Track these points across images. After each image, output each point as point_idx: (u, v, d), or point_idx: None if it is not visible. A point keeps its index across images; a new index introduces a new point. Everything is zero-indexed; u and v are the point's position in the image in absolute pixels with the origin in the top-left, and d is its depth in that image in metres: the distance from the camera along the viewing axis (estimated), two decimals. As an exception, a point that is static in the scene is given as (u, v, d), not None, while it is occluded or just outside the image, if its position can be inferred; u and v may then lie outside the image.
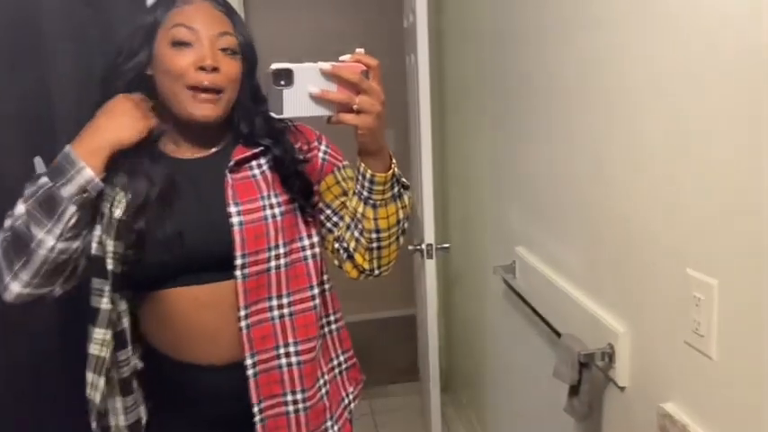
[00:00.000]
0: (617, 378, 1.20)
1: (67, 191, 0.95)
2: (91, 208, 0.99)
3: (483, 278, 2.23)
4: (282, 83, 0.89)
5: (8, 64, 1.49)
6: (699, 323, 0.94)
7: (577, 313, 1.35)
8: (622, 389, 1.20)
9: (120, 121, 1.00)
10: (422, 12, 1.94)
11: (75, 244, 0.98)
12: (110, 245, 1.01)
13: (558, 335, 1.40)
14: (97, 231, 1.02)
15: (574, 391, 1.27)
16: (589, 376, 1.24)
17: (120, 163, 1.01)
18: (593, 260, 1.32)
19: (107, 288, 1.03)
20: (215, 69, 1.00)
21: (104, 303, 1.03)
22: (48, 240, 0.95)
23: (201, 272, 1.04)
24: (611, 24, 1.17)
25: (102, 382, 1.04)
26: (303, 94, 0.90)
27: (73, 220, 0.96)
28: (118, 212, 1.01)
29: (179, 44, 1.00)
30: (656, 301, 1.08)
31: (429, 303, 2.12)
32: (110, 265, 1.01)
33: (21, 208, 0.96)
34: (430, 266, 2.09)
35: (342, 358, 1.24)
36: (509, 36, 1.80)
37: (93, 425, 1.08)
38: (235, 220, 1.03)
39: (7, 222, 0.98)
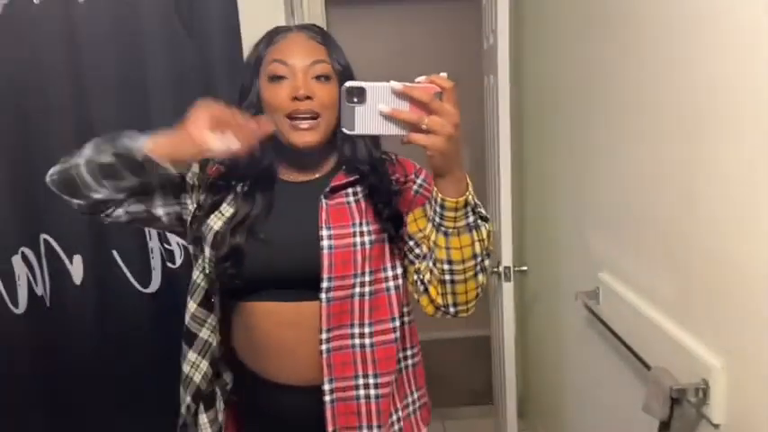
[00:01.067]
0: (711, 415, 1.14)
1: (124, 141, 1.02)
2: (124, 168, 1.02)
3: (562, 303, 2.17)
4: (355, 100, 0.91)
5: (116, 98, 1.61)
6: (807, 362, 0.88)
7: (668, 345, 1.29)
8: (717, 426, 1.14)
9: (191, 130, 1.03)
10: (503, 34, 1.95)
11: (90, 180, 1.04)
12: (207, 251, 1.10)
13: (646, 366, 1.35)
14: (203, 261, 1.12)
15: (664, 427, 1.22)
16: (681, 412, 1.18)
17: (235, 182, 1.12)
18: (684, 289, 1.27)
19: (210, 319, 1.13)
20: (308, 98, 1.05)
21: (204, 332, 1.13)
22: (81, 158, 1.04)
23: (286, 289, 1.08)
24: (708, 57, 1.13)
25: (188, 398, 1.14)
26: (375, 112, 0.91)
27: (102, 160, 1.02)
28: (219, 224, 1.09)
29: (275, 78, 1.07)
30: (755, 333, 1.02)
31: (506, 327, 2.09)
32: (207, 269, 1.10)
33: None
34: (507, 289, 2.06)
35: (416, 395, 1.23)
36: (594, 58, 1.76)
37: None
38: (325, 243, 1.06)
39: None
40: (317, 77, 1.08)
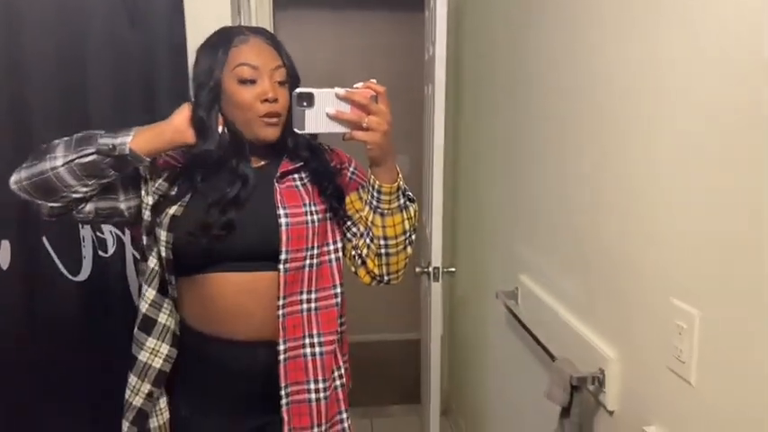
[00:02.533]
0: (606, 402, 1.25)
1: (103, 140, 1.11)
2: (108, 166, 1.12)
3: (487, 303, 2.29)
4: (305, 104, 1.09)
5: (58, 86, 1.61)
6: (681, 350, 1.00)
7: (572, 339, 1.41)
8: (611, 413, 1.25)
9: (177, 123, 1.17)
10: (441, 45, 2.04)
11: (72, 181, 1.11)
12: (163, 236, 1.18)
13: (553, 358, 1.46)
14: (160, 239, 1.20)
15: (565, 413, 1.33)
16: (580, 399, 1.29)
17: (188, 170, 1.22)
18: (589, 288, 1.38)
19: (166, 303, 1.22)
20: (276, 100, 1.19)
21: (162, 317, 1.22)
22: (58, 160, 1.11)
23: (244, 261, 1.20)
24: (619, 73, 1.25)
25: (149, 386, 1.22)
26: (322, 113, 1.09)
27: (86, 159, 1.10)
28: (174, 209, 1.19)
29: (245, 82, 1.18)
30: (644, 328, 1.14)
31: (433, 325, 2.17)
32: (163, 252, 1.19)
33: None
34: (436, 289, 2.15)
35: (345, 357, 1.35)
36: (520, 73, 1.88)
37: (126, 426, 1.24)
38: (282, 221, 1.20)
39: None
40: (279, 82, 1.21)
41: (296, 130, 1.10)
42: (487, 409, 2.38)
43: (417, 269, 2.23)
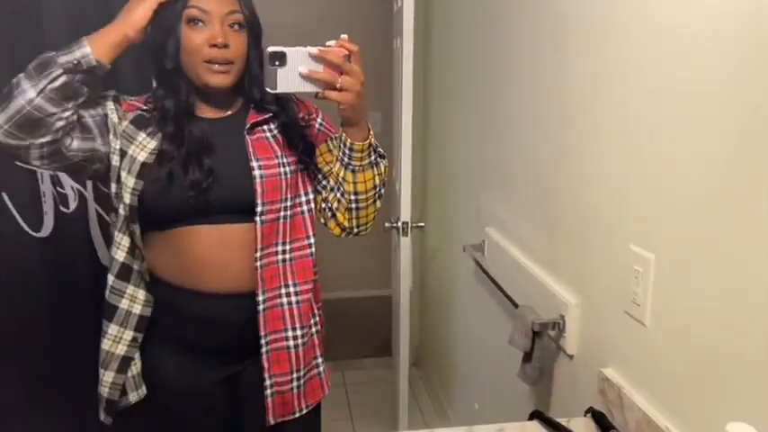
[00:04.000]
0: (566, 346, 1.29)
1: (63, 59, 1.08)
2: (80, 83, 1.09)
3: (455, 257, 2.31)
4: (277, 63, 1.06)
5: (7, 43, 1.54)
6: (636, 293, 1.03)
7: (535, 287, 1.44)
8: (571, 356, 1.29)
9: (131, 12, 1.12)
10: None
11: (53, 109, 1.08)
12: (130, 181, 1.16)
13: (516, 306, 1.49)
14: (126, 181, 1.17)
15: (527, 358, 1.36)
16: (541, 344, 1.33)
17: (154, 116, 1.19)
18: (552, 239, 1.41)
19: (128, 289, 1.23)
20: (225, 46, 1.15)
21: (124, 302, 1.22)
22: (29, 92, 1.06)
23: (217, 214, 1.19)
24: (576, 24, 1.24)
25: (130, 334, 1.23)
26: (294, 73, 1.07)
27: (57, 83, 1.07)
28: (143, 155, 1.16)
29: (193, 22, 1.14)
30: (603, 274, 1.17)
31: (402, 279, 2.19)
32: (127, 199, 1.16)
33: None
34: (405, 243, 2.16)
35: (319, 305, 1.37)
36: (488, 24, 1.87)
37: (111, 375, 1.24)
38: (257, 173, 1.19)
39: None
40: (231, 26, 1.16)
41: (268, 89, 1.08)
42: (457, 360, 2.44)
43: (386, 224, 2.23)
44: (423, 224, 2.25)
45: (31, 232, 1.76)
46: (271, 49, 1.07)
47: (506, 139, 1.72)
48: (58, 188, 1.77)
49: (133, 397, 1.27)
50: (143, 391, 1.27)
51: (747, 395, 0.80)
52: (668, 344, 0.97)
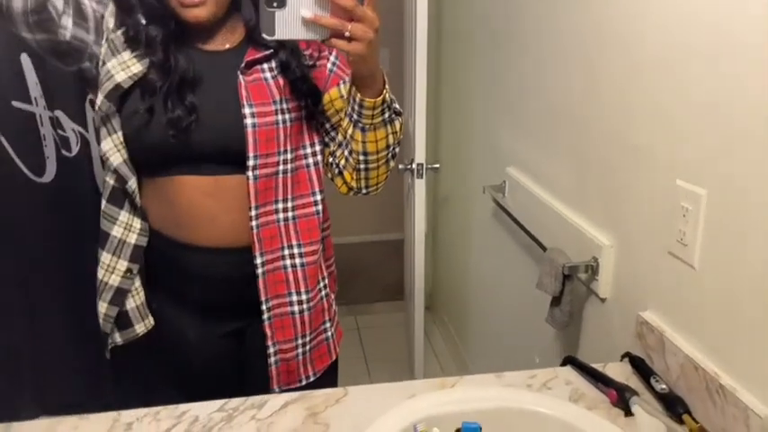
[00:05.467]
0: (599, 290, 1.23)
1: None
2: None
3: (472, 198, 2.24)
4: (275, 4, 0.89)
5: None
6: (684, 233, 0.96)
7: (564, 229, 1.37)
8: (603, 300, 1.24)
9: None
10: None
11: None
12: (99, 99, 1.04)
13: (543, 249, 1.43)
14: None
15: (556, 302, 1.31)
16: (571, 288, 1.27)
17: (140, 40, 1.05)
18: (582, 176, 1.33)
19: (121, 216, 1.12)
20: None
21: (116, 230, 1.12)
22: None
23: (207, 163, 1.07)
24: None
25: (124, 264, 1.12)
26: (295, 16, 0.89)
27: None
28: (122, 76, 1.04)
29: None
30: (643, 213, 1.09)
31: (417, 221, 2.13)
32: (97, 119, 1.06)
33: None
34: (419, 186, 2.09)
35: (330, 261, 1.28)
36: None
37: (104, 306, 1.15)
38: (248, 121, 1.05)
39: None
40: None
41: (264, 36, 0.91)
42: (472, 303, 2.40)
43: (400, 166, 2.15)
44: (438, 165, 2.17)
45: (33, 177, 1.69)
46: None
47: (528, 70, 1.62)
48: (59, 131, 1.69)
49: (140, 328, 1.16)
50: (150, 321, 1.17)
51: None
52: (720, 287, 0.90)
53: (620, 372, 1.05)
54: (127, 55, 1.05)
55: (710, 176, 0.91)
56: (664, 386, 0.97)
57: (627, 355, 1.08)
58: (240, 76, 1.07)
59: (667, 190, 1.00)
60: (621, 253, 1.18)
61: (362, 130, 1.06)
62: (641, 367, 1.03)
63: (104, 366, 1.27)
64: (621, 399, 0.95)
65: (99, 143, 1.10)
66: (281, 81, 1.10)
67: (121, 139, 1.07)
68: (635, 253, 1.13)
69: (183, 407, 0.98)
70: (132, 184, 1.10)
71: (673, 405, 0.93)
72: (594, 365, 1.06)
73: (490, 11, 1.95)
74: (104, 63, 1.05)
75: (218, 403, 0.99)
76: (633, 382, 1.01)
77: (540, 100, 1.56)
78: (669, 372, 0.99)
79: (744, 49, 0.83)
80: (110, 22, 1.06)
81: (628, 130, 1.13)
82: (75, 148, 1.71)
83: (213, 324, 1.17)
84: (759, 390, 0.82)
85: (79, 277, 1.70)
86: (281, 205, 1.12)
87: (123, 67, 1.05)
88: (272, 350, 1.15)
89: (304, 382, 1.20)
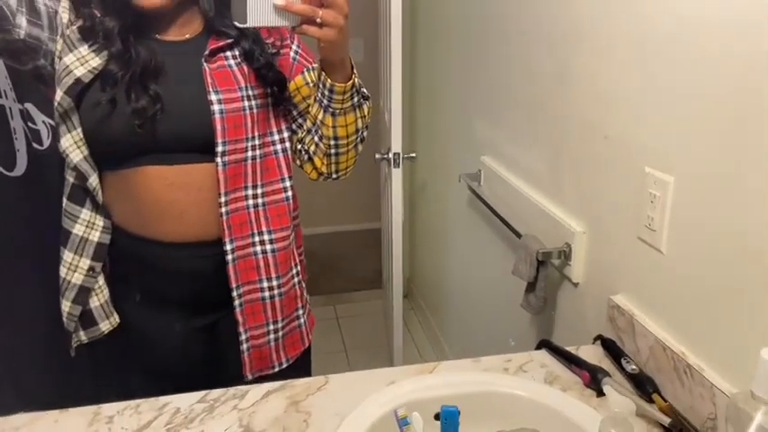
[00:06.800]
0: (572, 275, 1.26)
1: None
2: None
3: (448, 187, 2.27)
4: None
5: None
6: (652, 219, 0.99)
7: (538, 216, 1.40)
8: (576, 284, 1.27)
9: None
10: None
11: None
12: (57, 95, 1.02)
13: (518, 236, 1.45)
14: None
15: (530, 287, 1.34)
16: (545, 273, 1.30)
17: (97, 32, 1.03)
18: (555, 164, 1.36)
19: (83, 214, 1.10)
20: None
21: (78, 228, 1.11)
22: None
23: (173, 153, 1.06)
24: None
25: (86, 262, 1.11)
26: (267, 4, 0.92)
27: None
28: (81, 71, 1.02)
29: None
30: (614, 200, 1.12)
31: (394, 210, 2.15)
32: (56, 117, 1.05)
33: None
34: (396, 175, 2.10)
35: (300, 250, 1.29)
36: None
37: (67, 305, 1.13)
38: (216, 107, 1.05)
39: None
40: None
41: (236, 23, 0.93)
42: (450, 290, 2.43)
43: (377, 155, 2.16)
44: (414, 154, 2.18)
45: (4, 171, 1.67)
46: None
47: (501, 61, 1.64)
48: (29, 123, 1.66)
49: (105, 326, 1.16)
50: (115, 319, 1.16)
51: (776, 320, 0.78)
52: (687, 270, 0.93)
53: (592, 354, 1.08)
54: (84, 49, 1.04)
55: (677, 164, 0.94)
56: (634, 367, 1.00)
57: (599, 337, 1.11)
58: (204, 64, 1.07)
59: (636, 177, 1.03)
60: (593, 239, 1.21)
61: (333, 114, 1.07)
62: (612, 349, 1.07)
63: (80, 366, 1.26)
64: (594, 380, 0.98)
65: (58, 140, 1.08)
66: (245, 68, 1.10)
67: (81, 135, 1.06)
68: (606, 239, 1.16)
69: (163, 399, 0.99)
70: (93, 180, 1.09)
71: (643, 385, 0.96)
72: (568, 348, 1.09)
73: (463, 1, 1.96)
74: (61, 59, 1.03)
75: (199, 394, 1.00)
76: (605, 363, 1.05)
77: (513, 89, 1.58)
78: (639, 353, 1.02)
79: (707, 40, 0.86)
80: (63, 17, 1.04)
81: (599, 120, 1.16)
82: (47, 141, 1.68)
83: (185, 318, 1.17)
84: (724, 369, 0.86)
85: (52, 273, 1.69)
86: (250, 192, 1.12)
87: (82, 62, 1.03)
88: (243, 337, 1.16)
89: (276, 369, 1.21)
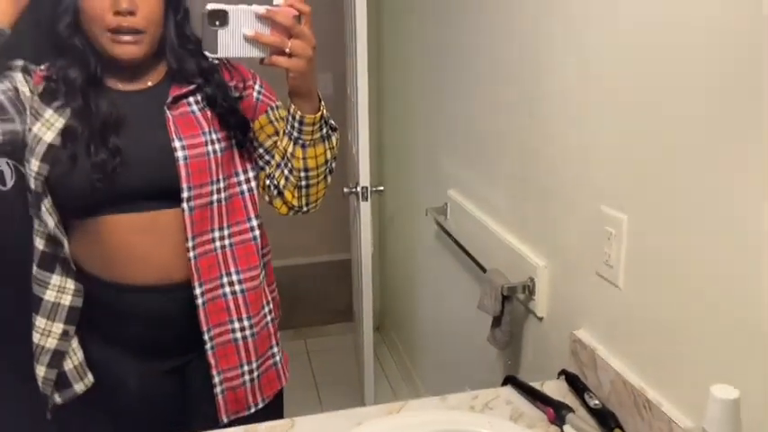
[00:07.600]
0: (536, 309, 1.28)
1: None
2: None
3: (416, 221, 2.29)
4: (217, 23, 0.93)
5: None
6: (609, 255, 1.02)
7: (503, 250, 1.42)
8: (540, 319, 1.29)
9: None
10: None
11: None
12: (34, 165, 1.03)
13: (483, 270, 1.47)
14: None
15: (496, 322, 1.36)
16: (510, 308, 1.32)
17: (60, 89, 1.05)
18: (519, 200, 1.39)
19: (53, 279, 1.11)
20: (131, 12, 1.01)
21: (49, 294, 1.11)
22: None
23: (137, 201, 1.07)
24: None
25: (59, 327, 1.11)
26: (237, 35, 0.94)
27: None
28: (50, 136, 1.03)
29: None
30: (573, 236, 1.15)
31: (364, 244, 2.16)
32: (32, 184, 1.05)
33: None
34: (365, 208, 2.12)
35: (273, 286, 1.29)
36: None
37: (43, 370, 1.13)
38: (180, 154, 1.06)
39: None
40: None
41: (207, 53, 0.95)
42: (421, 324, 2.44)
43: (345, 189, 2.18)
44: (382, 188, 2.21)
45: (-37, 213, 1.63)
46: (210, 6, 0.93)
47: (467, 98, 1.68)
48: (-9, 164, 1.64)
49: (79, 387, 1.15)
50: (89, 379, 1.15)
51: (729, 357, 0.80)
52: (643, 305, 0.96)
53: (557, 389, 1.09)
54: (48, 113, 1.05)
55: (630, 202, 0.97)
56: (597, 402, 1.02)
57: (563, 372, 1.13)
58: (167, 111, 1.09)
59: (594, 215, 1.06)
60: (555, 273, 1.23)
61: (303, 146, 1.08)
62: (576, 384, 1.08)
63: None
64: (558, 416, 0.99)
65: (35, 207, 1.09)
66: (208, 113, 1.12)
67: (51, 201, 1.06)
68: (568, 274, 1.19)
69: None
70: (66, 249, 1.09)
71: (605, 420, 0.97)
72: (533, 384, 1.10)
73: (428, 36, 2.01)
74: (31, 130, 1.05)
75: (162, 442, 0.98)
76: (569, 398, 1.06)
77: (478, 125, 1.62)
78: (601, 387, 1.04)
79: (656, 83, 0.90)
80: (24, 91, 1.06)
81: (556, 159, 1.19)
82: (10, 182, 1.66)
83: (155, 362, 1.16)
84: (681, 403, 0.88)
85: (19, 327, 1.65)
86: (217, 234, 1.13)
87: (48, 126, 1.05)
88: (216, 380, 1.15)
89: (253, 410, 1.20)
